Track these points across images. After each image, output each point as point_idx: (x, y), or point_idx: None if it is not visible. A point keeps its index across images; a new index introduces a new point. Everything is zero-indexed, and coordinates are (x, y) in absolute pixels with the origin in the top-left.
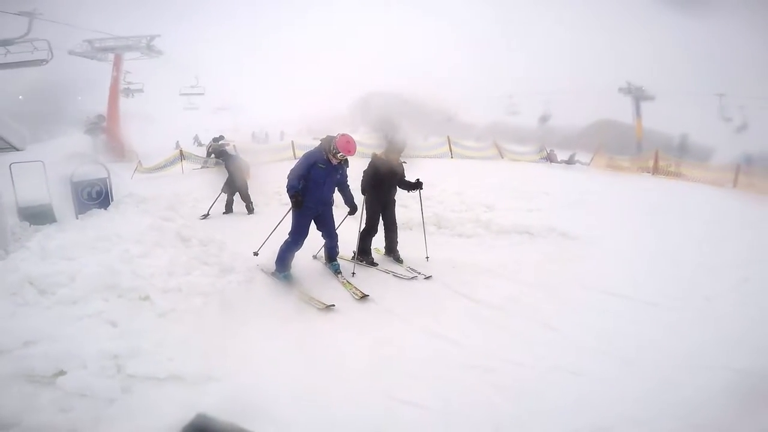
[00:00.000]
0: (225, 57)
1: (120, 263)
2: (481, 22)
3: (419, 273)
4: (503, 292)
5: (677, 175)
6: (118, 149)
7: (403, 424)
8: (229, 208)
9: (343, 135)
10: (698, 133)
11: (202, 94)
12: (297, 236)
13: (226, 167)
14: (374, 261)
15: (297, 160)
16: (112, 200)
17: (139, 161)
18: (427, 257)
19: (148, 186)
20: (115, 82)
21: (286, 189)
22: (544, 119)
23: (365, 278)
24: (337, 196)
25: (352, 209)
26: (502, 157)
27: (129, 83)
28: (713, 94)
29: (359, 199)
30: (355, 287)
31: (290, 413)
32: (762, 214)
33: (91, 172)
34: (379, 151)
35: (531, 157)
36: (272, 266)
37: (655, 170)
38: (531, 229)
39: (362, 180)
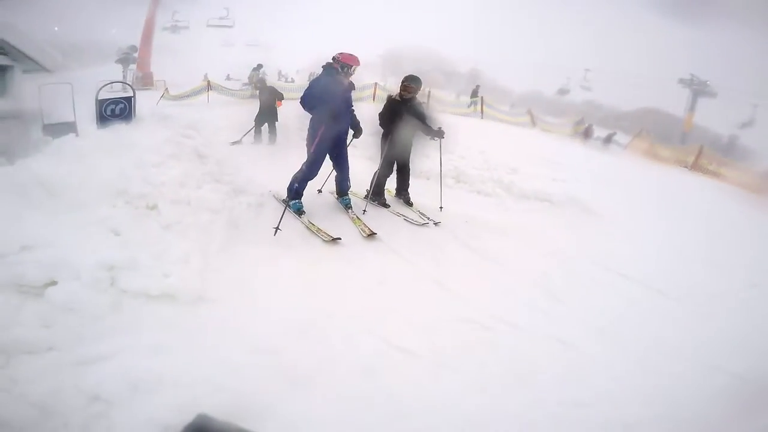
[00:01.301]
0: None
1: (132, 169)
2: None
3: (430, 219)
4: (514, 254)
5: (716, 174)
6: (147, 78)
7: (392, 368)
8: (258, 139)
9: (341, 53)
10: (750, 137)
11: (231, 26)
12: (313, 165)
13: (260, 96)
14: (386, 203)
15: (313, 86)
16: (135, 116)
17: (166, 89)
18: (441, 207)
19: (172, 110)
20: (151, 14)
21: (307, 109)
22: (563, 92)
23: (375, 217)
24: None
25: (358, 132)
26: (534, 125)
27: (176, 21)
28: None
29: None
30: (364, 224)
31: (279, 343)
32: None
33: (116, 91)
34: (394, 94)
35: (566, 130)
36: (284, 194)
37: (695, 166)
38: (552, 198)
39: (379, 117)
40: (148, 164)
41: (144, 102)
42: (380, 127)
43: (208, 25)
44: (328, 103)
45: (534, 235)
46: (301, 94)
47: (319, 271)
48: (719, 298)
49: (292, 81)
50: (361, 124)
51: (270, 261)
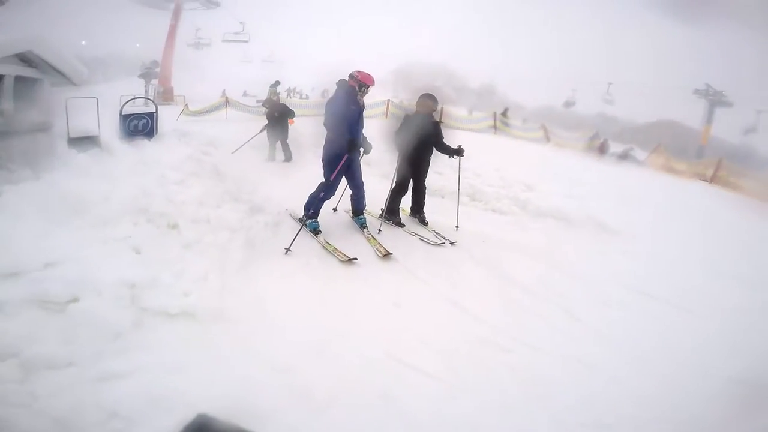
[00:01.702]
0: (276, 10)
1: (155, 186)
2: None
3: (446, 239)
4: (531, 273)
5: (736, 187)
6: (167, 94)
7: (410, 389)
8: (271, 157)
9: (359, 71)
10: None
11: (247, 41)
12: (331, 184)
13: (270, 114)
14: (401, 222)
15: (333, 106)
16: (157, 132)
17: (186, 104)
18: (457, 227)
19: (192, 126)
20: (172, 30)
21: (334, 134)
22: (568, 104)
23: (390, 237)
24: None
25: (367, 149)
26: (548, 140)
27: (200, 38)
28: None
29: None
30: (379, 244)
31: (296, 363)
32: None
33: (139, 107)
34: (410, 112)
35: (581, 144)
36: (300, 211)
37: (714, 179)
38: (569, 216)
39: (395, 138)
40: (170, 182)
41: (165, 117)
42: (395, 145)
43: (224, 41)
44: (350, 127)
45: (551, 254)
46: (325, 116)
47: (335, 291)
48: (747, 314)
49: (307, 97)
50: (368, 140)
51: (287, 280)
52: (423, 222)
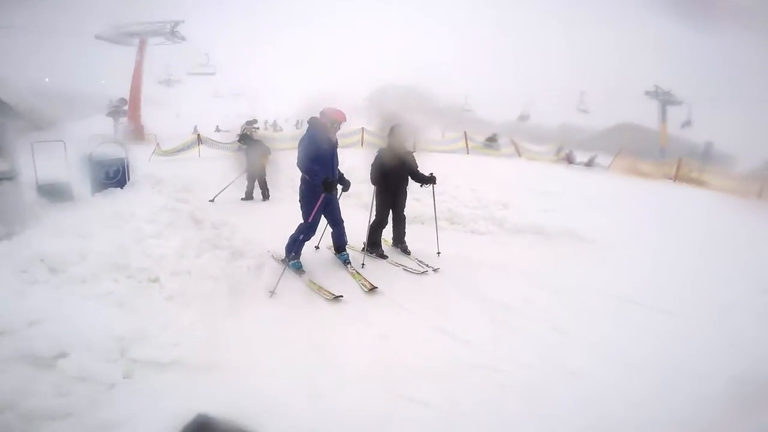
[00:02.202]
0: (243, 43)
1: (132, 242)
2: (497, 20)
3: (429, 267)
4: (514, 291)
5: (700, 183)
6: (138, 132)
7: (407, 421)
8: (249, 195)
9: (329, 107)
10: (724, 140)
11: (213, 73)
12: (310, 225)
13: (247, 153)
14: (384, 254)
15: (305, 145)
16: (129, 180)
17: (158, 144)
18: (438, 252)
19: (164, 168)
20: (138, 66)
21: (309, 175)
22: (522, 118)
23: (374, 270)
24: None
25: (346, 186)
26: (520, 156)
27: (170, 75)
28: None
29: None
30: (364, 278)
31: (293, 405)
32: None
33: (110, 152)
34: (385, 144)
35: (549, 157)
36: (282, 251)
37: (678, 177)
38: (546, 230)
39: (371, 172)
40: (147, 235)
41: (136, 157)
42: (372, 179)
43: (189, 74)
44: (324, 166)
45: (532, 270)
46: (297, 156)
47: (323, 329)
48: (729, 309)
49: (281, 129)
50: (345, 176)
51: (274, 324)
52: (405, 251)
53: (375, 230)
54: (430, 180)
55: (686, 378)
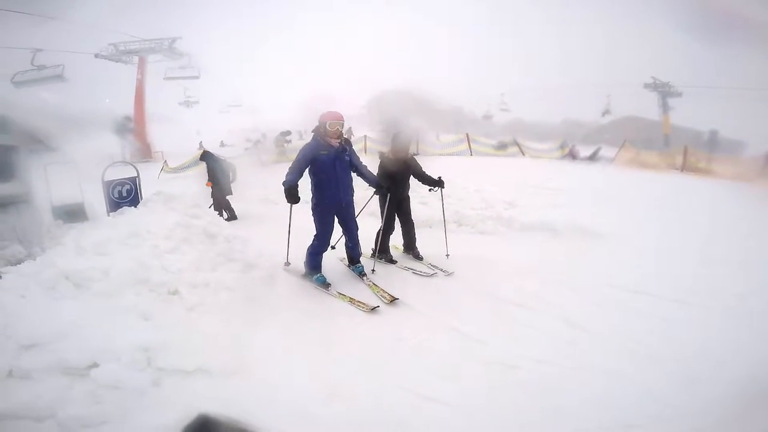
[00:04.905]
0: (240, 53)
1: (150, 258)
2: (494, 19)
3: (440, 269)
4: (526, 289)
5: (707, 171)
6: (145, 149)
7: (427, 420)
8: (232, 214)
9: (324, 113)
10: (728, 128)
11: (197, 77)
12: (321, 237)
13: (209, 171)
14: (393, 258)
15: (300, 154)
16: (141, 198)
17: (165, 161)
18: (448, 255)
19: (174, 185)
20: (140, 84)
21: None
22: (486, 117)
23: (385, 275)
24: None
25: (378, 187)
26: (523, 155)
27: (188, 97)
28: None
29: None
30: (382, 290)
31: (313, 408)
32: None
33: (121, 171)
34: (386, 150)
35: (553, 154)
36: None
37: (684, 167)
38: (554, 226)
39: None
40: (164, 251)
41: (146, 175)
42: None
43: (166, 78)
44: (327, 175)
45: (543, 267)
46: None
47: (340, 334)
48: (748, 297)
49: (290, 142)
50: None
51: (292, 330)
52: (417, 257)
53: (383, 238)
54: (438, 183)
55: (704, 367)
